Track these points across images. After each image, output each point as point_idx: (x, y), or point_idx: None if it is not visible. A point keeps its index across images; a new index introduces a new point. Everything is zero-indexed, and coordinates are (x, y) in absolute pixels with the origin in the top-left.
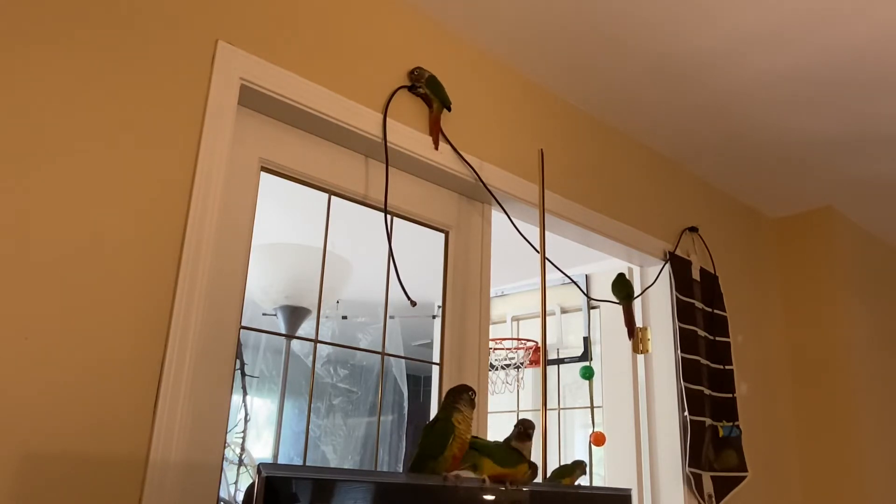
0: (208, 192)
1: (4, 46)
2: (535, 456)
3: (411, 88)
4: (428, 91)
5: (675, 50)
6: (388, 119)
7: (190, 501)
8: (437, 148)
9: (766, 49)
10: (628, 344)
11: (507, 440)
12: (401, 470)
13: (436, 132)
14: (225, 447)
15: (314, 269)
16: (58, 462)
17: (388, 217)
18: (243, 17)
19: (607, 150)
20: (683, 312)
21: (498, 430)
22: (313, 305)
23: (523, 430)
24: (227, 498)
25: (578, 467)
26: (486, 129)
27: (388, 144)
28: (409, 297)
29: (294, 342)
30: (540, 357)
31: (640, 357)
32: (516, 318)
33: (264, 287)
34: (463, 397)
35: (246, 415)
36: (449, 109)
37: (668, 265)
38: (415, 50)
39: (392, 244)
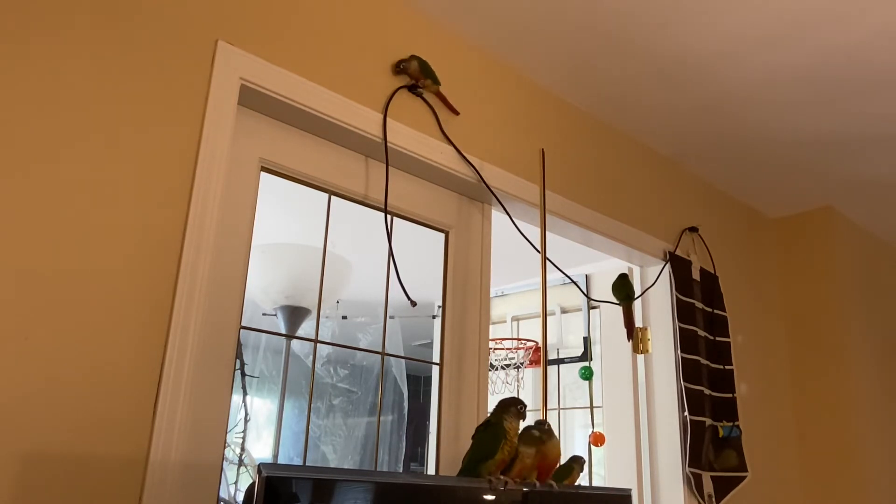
0: (208, 191)
1: (4, 48)
2: None
3: (411, 88)
4: (428, 81)
5: (675, 50)
6: (388, 119)
7: (190, 501)
8: (457, 113)
9: (766, 49)
10: (628, 344)
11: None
12: (400, 470)
13: (449, 104)
14: (225, 447)
15: (314, 269)
16: (58, 462)
17: (388, 217)
18: (243, 17)
19: (607, 150)
20: (683, 312)
21: None
22: (313, 305)
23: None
24: (227, 498)
25: (576, 463)
26: (487, 130)
27: (388, 144)
28: (409, 297)
29: (294, 342)
30: (540, 357)
31: (640, 357)
32: (516, 318)
33: (264, 287)
34: (511, 409)
35: (246, 415)
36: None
37: (668, 265)
38: (415, 50)
39: (392, 244)
